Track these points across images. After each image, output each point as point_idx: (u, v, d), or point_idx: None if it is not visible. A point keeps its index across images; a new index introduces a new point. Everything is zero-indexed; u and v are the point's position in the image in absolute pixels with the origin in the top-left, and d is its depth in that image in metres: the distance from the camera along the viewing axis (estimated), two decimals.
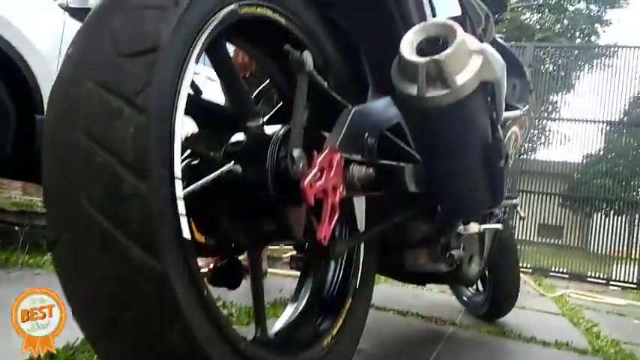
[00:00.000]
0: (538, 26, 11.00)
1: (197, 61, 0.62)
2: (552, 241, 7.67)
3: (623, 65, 6.15)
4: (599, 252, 6.41)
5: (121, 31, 0.57)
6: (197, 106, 0.79)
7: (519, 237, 6.59)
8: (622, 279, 5.79)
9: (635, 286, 5.54)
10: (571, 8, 12.05)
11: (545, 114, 8.57)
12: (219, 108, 0.85)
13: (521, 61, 1.79)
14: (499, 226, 1.39)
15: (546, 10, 11.56)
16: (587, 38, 12.22)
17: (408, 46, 0.73)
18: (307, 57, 0.71)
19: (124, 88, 0.54)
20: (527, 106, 1.70)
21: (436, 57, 0.70)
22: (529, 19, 12.11)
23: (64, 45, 2.79)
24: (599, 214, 6.80)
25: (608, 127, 6.80)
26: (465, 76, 0.71)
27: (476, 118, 0.82)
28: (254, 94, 1.11)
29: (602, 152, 7.72)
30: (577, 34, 11.83)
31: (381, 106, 0.82)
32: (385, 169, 0.84)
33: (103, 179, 0.53)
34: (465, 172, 0.89)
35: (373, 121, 0.82)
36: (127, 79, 0.55)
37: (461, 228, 1.22)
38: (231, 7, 0.67)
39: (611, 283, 5.78)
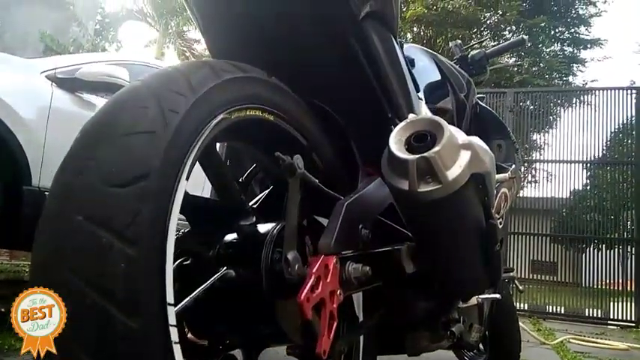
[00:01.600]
0: (516, 69, 11.33)
1: (188, 178, 0.62)
2: (546, 277, 7.60)
3: (601, 104, 6.31)
4: (595, 286, 6.38)
5: (108, 160, 0.56)
6: (188, 204, 0.78)
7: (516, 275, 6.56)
8: (620, 317, 5.73)
9: (633, 324, 5.48)
10: (547, 50, 12.47)
11: (532, 155, 8.72)
12: (210, 204, 0.85)
13: (504, 122, 1.83)
14: (497, 296, 1.38)
15: (522, 53, 11.94)
16: (564, 78, 12.60)
17: (396, 142, 0.74)
18: (298, 161, 0.71)
19: (113, 221, 0.53)
20: (513, 166, 1.72)
21: (426, 154, 0.71)
22: (506, 62, 12.49)
23: (51, 116, 2.81)
24: (591, 249, 6.81)
25: (590, 165, 6.91)
26: (455, 171, 0.72)
27: (468, 207, 0.82)
28: (244, 176, 1.11)
29: (588, 188, 7.82)
30: (554, 74, 12.19)
31: (372, 191, 0.82)
32: (381, 257, 0.84)
33: (94, 319, 0.51)
34: (461, 256, 0.89)
35: (366, 210, 0.81)
36: (116, 212, 0.53)
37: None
38: (221, 116, 0.68)
39: (609, 322, 5.72)
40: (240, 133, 0.78)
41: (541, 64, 12.23)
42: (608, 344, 3.58)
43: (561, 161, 6.51)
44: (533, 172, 9.01)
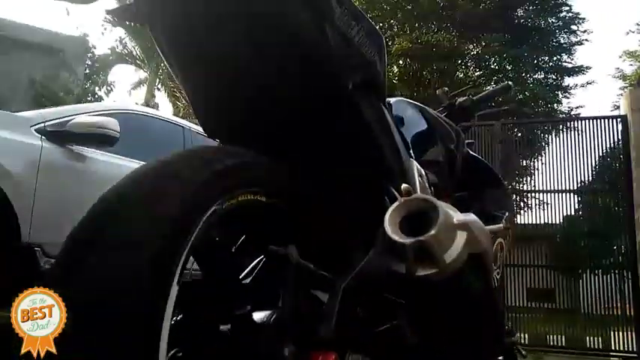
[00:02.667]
0: (500, 99, 11.53)
1: (179, 283, 0.60)
2: (544, 305, 7.53)
3: (588, 131, 6.40)
4: (594, 312, 6.34)
5: (96, 272, 0.56)
6: (182, 293, 0.76)
7: (510, 303, 6.52)
8: (622, 348, 5.67)
9: (635, 355, 5.42)
10: (531, 79, 12.73)
11: (523, 183, 8.77)
12: (201, 289, 0.83)
13: (495, 170, 1.84)
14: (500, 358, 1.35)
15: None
16: (549, 105, 12.82)
17: (391, 224, 0.73)
18: (292, 251, 0.70)
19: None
20: (507, 213, 1.72)
21: (422, 238, 0.70)
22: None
23: (41, 169, 2.79)
24: (588, 274, 6.79)
25: (581, 192, 6.97)
26: (452, 254, 0.71)
27: (467, 286, 0.81)
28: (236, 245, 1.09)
29: (580, 213, 7.85)
30: (540, 102, 12.41)
31: (369, 269, 0.81)
32: (382, 334, 0.82)
33: None
34: (462, 329, 0.87)
35: (363, 290, 0.80)
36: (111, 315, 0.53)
37: None
38: (213, 208, 0.67)
39: (611, 354, 5.65)
40: (232, 218, 0.77)
41: (526, 93, 12.46)
42: None
43: (552, 191, 6.56)
44: (525, 199, 9.06)
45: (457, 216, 0.76)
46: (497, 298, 0.88)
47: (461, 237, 0.73)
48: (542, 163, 7.48)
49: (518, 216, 8.45)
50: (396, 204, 0.76)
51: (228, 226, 0.79)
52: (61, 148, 2.96)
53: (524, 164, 8.95)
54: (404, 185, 0.94)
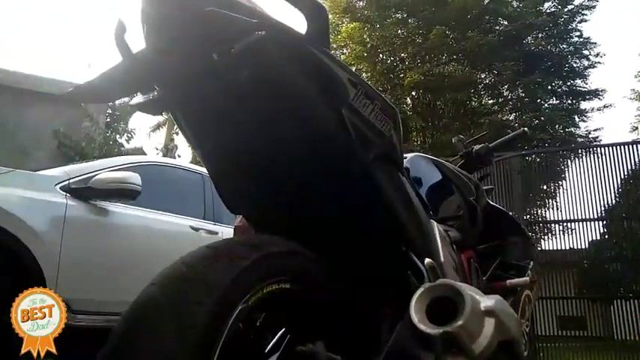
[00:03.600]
0: (516, 124, 11.48)
1: None
2: (576, 333, 7.26)
3: (607, 156, 6.32)
4: (627, 338, 6.11)
5: None
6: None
7: (540, 333, 6.34)
8: None
9: None
10: (545, 104, 12.68)
11: (545, 211, 8.64)
12: None
13: (517, 219, 1.83)
14: None
15: (521, 109, 12.16)
16: (567, 129, 12.71)
17: (417, 311, 0.73)
18: (319, 350, 0.70)
19: None
20: (532, 263, 1.70)
21: (449, 329, 0.70)
22: (506, 119, 12.69)
23: (66, 226, 2.85)
24: (619, 300, 6.59)
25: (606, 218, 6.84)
26: (481, 343, 0.70)
27: None
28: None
29: (606, 237, 7.67)
30: (557, 126, 12.32)
31: (396, 356, 0.80)
32: None
33: None
34: None
35: None
36: None
37: None
38: (240, 307, 0.68)
39: None
40: (259, 310, 0.78)
41: (542, 118, 12.39)
42: None
43: (577, 220, 6.45)
44: (550, 227, 8.91)
45: (484, 302, 0.76)
46: None
47: (489, 325, 0.72)
48: (564, 189, 7.41)
49: (543, 242, 8.30)
50: (420, 290, 0.76)
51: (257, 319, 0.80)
52: (85, 204, 3.03)
53: (546, 191, 8.84)
54: (427, 261, 0.95)
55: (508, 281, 1.51)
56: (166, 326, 0.61)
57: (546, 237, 9.23)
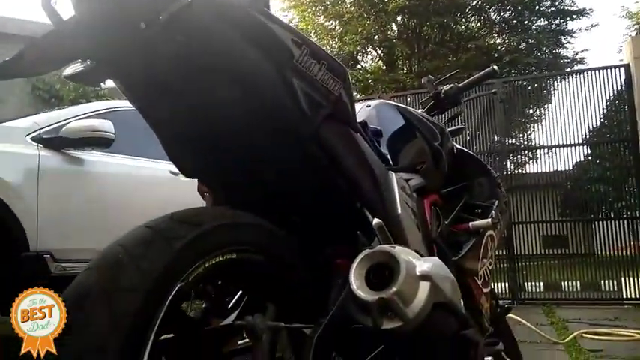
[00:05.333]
0: (503, 48, 11.28)
1: None
2: (558, 251, 7.54)
3: (592, 80, 6.28)
4: (608, 254, 6.38)
5: None
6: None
7: (525, 252, 6.61)
8: (634, 295, 5.73)
9: None
10: (533, 26, 12.40)
11: (530, 134, 8.70)
12: None
13: (482, 160, 1.83)
14: None
15: (509, 32, 11.90)
16: (554, 51, 12.51)
17: (357, 277, 0.75)
18: (258, 322, 0.72)
19: None
20: (497, 202, 1.73)
21: (384, 295, 0.71)
22: (494, 43, 12.44)
23: (41, 178, 2.83)
24: (600, 221, 6.83)
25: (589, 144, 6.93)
26: (415, 307, 0.72)
27: (437, 333, 0.82)
28: None
29: (590, 158, 7.80)
30: (544, 49, 12.12)
31: (338, 320, 0.82)
32: None
33: None
34: None
35: (334, 338, 0.82)
36: None
37: None
38: (178, 285, 0.68)
39: (624, 301, 5.73)
40: (201, 284, 0.79)
41: (529, 40, 12.17)
42: (622, 334, 3.58)
43: (560, 146, 6.52)
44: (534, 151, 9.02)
45: (420, 266, 0.77)
46: (473, 339, 0.89)
47: (424, 288, 0.74)
48: (550, 112, 7.43)
49: (528, 166, 8.42)
50: (360, 257, 0.77)
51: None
52: (59, 154, 2.99)
53: (531, 115, 8.86)
54: (375, 221, 0.95)
55: (471, 224, 1.54)
56: (99, 314, 0.61)
57: (531, 161, 9.37)
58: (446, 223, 1.49)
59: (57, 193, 2.94)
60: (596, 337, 3.52)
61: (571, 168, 7.31)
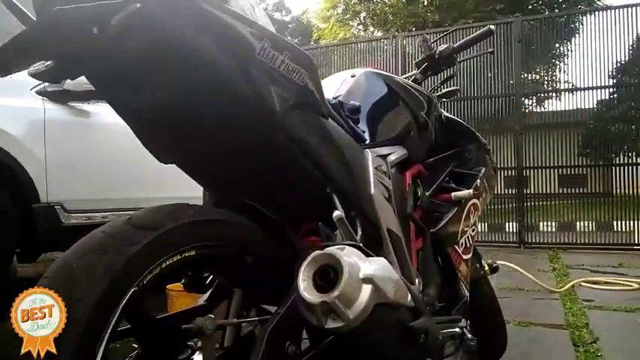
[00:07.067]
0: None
1: None
2: (576, 190, 7.48)
3: (618, 19, 5.98)
4: (624, 194, 6.34)
5: None
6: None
7: (541, 191, 6.60)
8: None
9: None
10: None
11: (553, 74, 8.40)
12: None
13: (470, 127, 1.81)
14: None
15: None
16: None
17: (304, 279, 0.78)
18: (207, 323, 0.77)
19: None
20: (484, 169, 1.73)
21: (325, 299, 0.75)
22: None
23: (47, 131, 2.88)
24: (621, 158, 6.73)
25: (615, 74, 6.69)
26: (357, 309, 0.76)
27: (382, 327, 0.86)
28: None
29: (615, 96, 7.57)
30: None
31: (288, 316, 0.86)
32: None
33: None
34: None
35: (289, 329, 0.87)
36: None
37: None
38: (130, 291, 0.72)
39: (635, 246, 5.76)
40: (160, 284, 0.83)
41: None
42: (621, 283, 3.62)
43: (585, 89, 6.28)
44: (556, 85, 8.75)
45: (363, 269, 0.79)
46: (421, 330, 0.92)
47: (365, 291, 0.77)
48: (572, 52, 7.14)
49: (550, 101, 8.17)
50: (308, 259, 0.80)
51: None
52: (64, 106, 3.02)
53: (554, 54, 8.51)
54: (335, 214, 0.98)
55: (453, 194, 1.55)
56: (50, 301, 0.65)
57: (553, 98, 9.12)
58: (427, 194, 1.50)
59: (64, 145, 3.00)
60: (594, 286, 3.57)
61: (594, 106, 7.12)
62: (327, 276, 0.78)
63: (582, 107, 6.81)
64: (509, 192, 6.93)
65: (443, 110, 1.71)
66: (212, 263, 0.92)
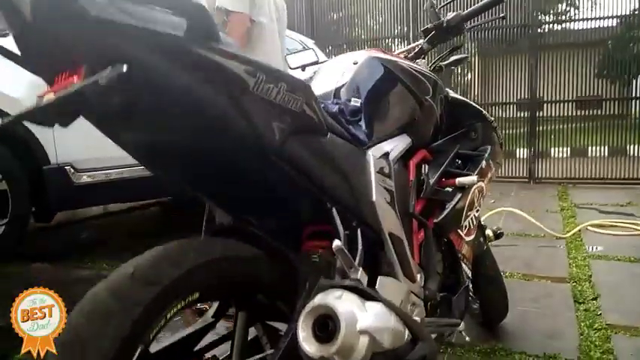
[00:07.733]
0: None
1: None
2: (592, 112, 7.31)
3: None
4: None
5: None
6: None
7: (557, 114, 6.46)
8: None
9: None
10: None
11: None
12: None
13: (476, 105, 1.76)
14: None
15: None
16: None
17: (303, 329, 0.80)
18: None
19: None
20: (489, 148, 1.71)
21: (324, 353, 0.77)
22: None
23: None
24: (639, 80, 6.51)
25: None
26: (355, 359, 0.79)
27: None
28: None
29: (637, 12, 7.19)
30: None
31: (289, 353, 0.89)
32: None
33: None
34: None
35: None
36: None
37: None
38: (139, 349, 0.76)
39: None
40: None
41: None
42: (629, 227, 3.60)
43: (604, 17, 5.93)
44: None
45: (360, 321, 0.81)
46: (417, 352, 0.95)
47: (363, 341, 0.79)
48: None
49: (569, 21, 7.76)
50: (306, 309, 0.83)
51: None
52: None
53: None
54: (335, 244, 0.99)
55: (457, 180, 1.54)
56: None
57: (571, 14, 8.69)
58: (431, 182, 1.49)
59: None
60: (601, 230, 3.60)
61: (616, 24, 6.78)
62: (326, 327, 0.80)
63: (602, 26, 6.48)
64: (522, 115, 6.76)
65: (449, 90, 1.66)
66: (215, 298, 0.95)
